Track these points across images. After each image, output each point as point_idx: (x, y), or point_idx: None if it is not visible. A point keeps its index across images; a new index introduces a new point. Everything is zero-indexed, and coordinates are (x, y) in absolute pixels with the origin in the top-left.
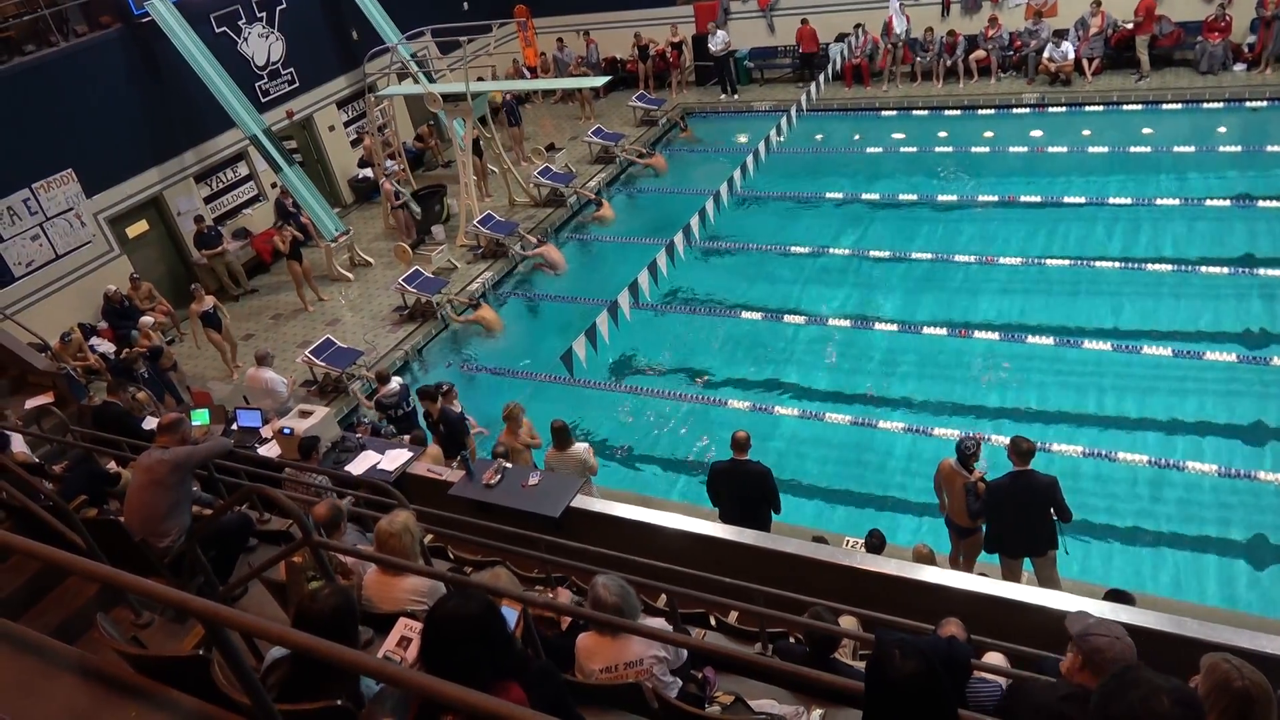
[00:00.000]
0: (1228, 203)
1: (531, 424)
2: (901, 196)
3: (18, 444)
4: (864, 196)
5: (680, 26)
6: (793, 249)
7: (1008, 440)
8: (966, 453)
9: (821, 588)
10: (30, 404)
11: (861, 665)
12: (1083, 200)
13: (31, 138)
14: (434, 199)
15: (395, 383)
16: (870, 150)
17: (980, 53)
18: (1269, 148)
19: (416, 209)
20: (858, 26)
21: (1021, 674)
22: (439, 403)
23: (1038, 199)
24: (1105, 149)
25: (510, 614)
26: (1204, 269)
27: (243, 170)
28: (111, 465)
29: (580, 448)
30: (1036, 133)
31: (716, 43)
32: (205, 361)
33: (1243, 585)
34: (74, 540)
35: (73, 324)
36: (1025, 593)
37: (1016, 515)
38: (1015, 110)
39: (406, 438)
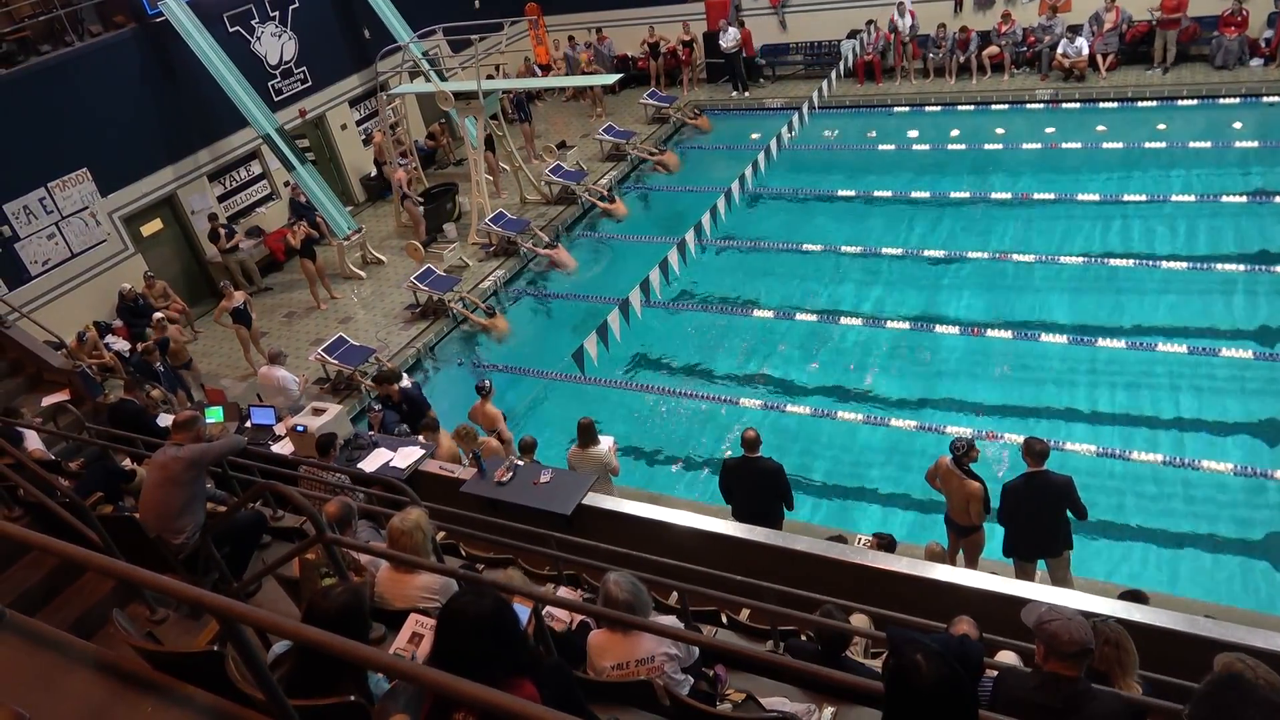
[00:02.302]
0: (1244, 199)
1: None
2: (914, 194)
3: (34, 441)
4: (876, 194)
5: (691, 24)
6: (805, 246)
7: (1022, 440)
8: (957, 453)
9: (833, 586)
10: (46, 401)
11: (873, 663)
12: (1097, 197)
13: (47, 137)
14: (445, 197)
15: (407, 381)
16: (883, 147)
17: (993, 48)
18: None
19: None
20: (870, 23)
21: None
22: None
23: (1051, 196)
24: (1120, 145)
25: (523, 611)
26: (1219, 266)
27: (256, 169)
28: (127, 462)
29: (603, 448)
30: (1050, 129)
31: (728, 40)
32: (219, 359)
33: (1257, 584)
34: (90, 537)
35: (88, 322)
36: (1038, 591)
37: (1031, 517)
38: (1029, 106)
39: (420, 437)
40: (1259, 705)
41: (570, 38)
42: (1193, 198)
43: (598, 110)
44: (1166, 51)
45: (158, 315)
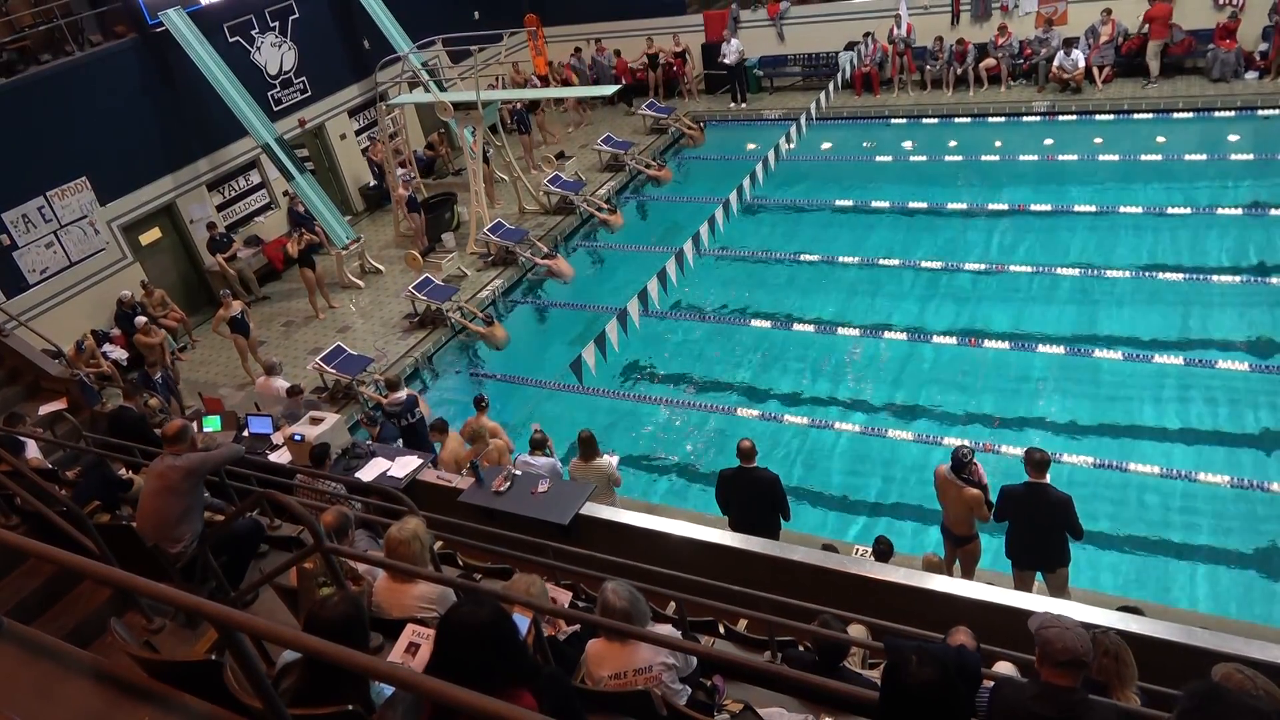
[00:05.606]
0: (1239, 211)
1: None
2: (911, 205)
3: (31, 449)
4: (873, 204)
5: (683, 36)
6: (802, 257)
7: (1020, 451)
8: (962, 460)
9: (830, 596)
10: (44, 410)
11: (871, 674)
12: (1093, 209)
13: (46, 146)
14: (444, 206)
15: (403, 391)
16: (880, 158)
17: (990, 61)
18: None
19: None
20: (867, 35)
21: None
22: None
23: (1048, 207)
24: (1116, 157)
25: (522, 621)
26: (1215, 278)
27: (255, 178)
28: (124, 471)
29: (605, 460)
30: (1047, 141)
31: (730, 52)
32: (217, 368)
33: (1254, 595)
34: (87, 545)
35: (86, 330)
36: (1035, 602)
37: (1028, 525)
38: (1025, 118)
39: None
40: (1243, 714)
41: (576, 49)
42: (1188, 210)
43: (574, 122)
44: (1157, 60)
45: (140, 319)
